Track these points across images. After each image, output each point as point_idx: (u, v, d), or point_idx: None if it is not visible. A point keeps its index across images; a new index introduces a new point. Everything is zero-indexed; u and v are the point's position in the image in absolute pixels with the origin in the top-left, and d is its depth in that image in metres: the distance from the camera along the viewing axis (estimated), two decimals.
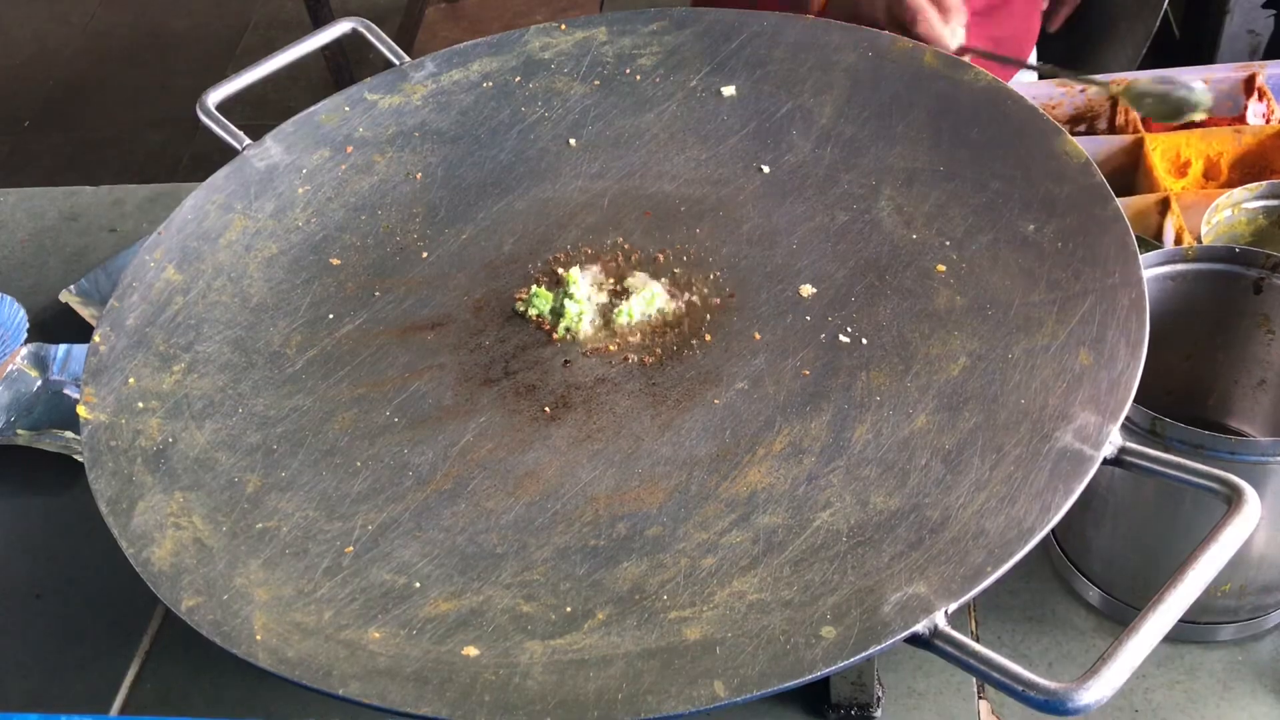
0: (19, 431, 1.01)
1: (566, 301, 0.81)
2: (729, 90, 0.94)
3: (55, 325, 1.14)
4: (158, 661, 0.88)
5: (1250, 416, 0.88)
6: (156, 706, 0.85)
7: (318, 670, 0.62)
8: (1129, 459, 0.65)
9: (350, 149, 0.94)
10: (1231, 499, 0.60)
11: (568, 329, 0.80)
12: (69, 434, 1.00)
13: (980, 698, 0.80)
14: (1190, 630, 0.81)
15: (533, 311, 0.81)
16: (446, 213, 0.89)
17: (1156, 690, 0.80)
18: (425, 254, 0.87)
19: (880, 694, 0.79)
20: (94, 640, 0.89)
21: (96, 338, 0.81)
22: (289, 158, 0.93)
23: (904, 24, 1.02)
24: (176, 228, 0.88)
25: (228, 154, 0.94)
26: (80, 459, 0.77)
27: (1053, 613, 0.84)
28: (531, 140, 0.94)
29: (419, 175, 0.92)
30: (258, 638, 0.64)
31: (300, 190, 0.92)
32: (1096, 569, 0.83)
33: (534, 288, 0.82)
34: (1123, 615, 0.82)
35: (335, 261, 0.87)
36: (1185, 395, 0.87)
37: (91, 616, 0.91)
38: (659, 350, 0.78)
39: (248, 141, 0.94)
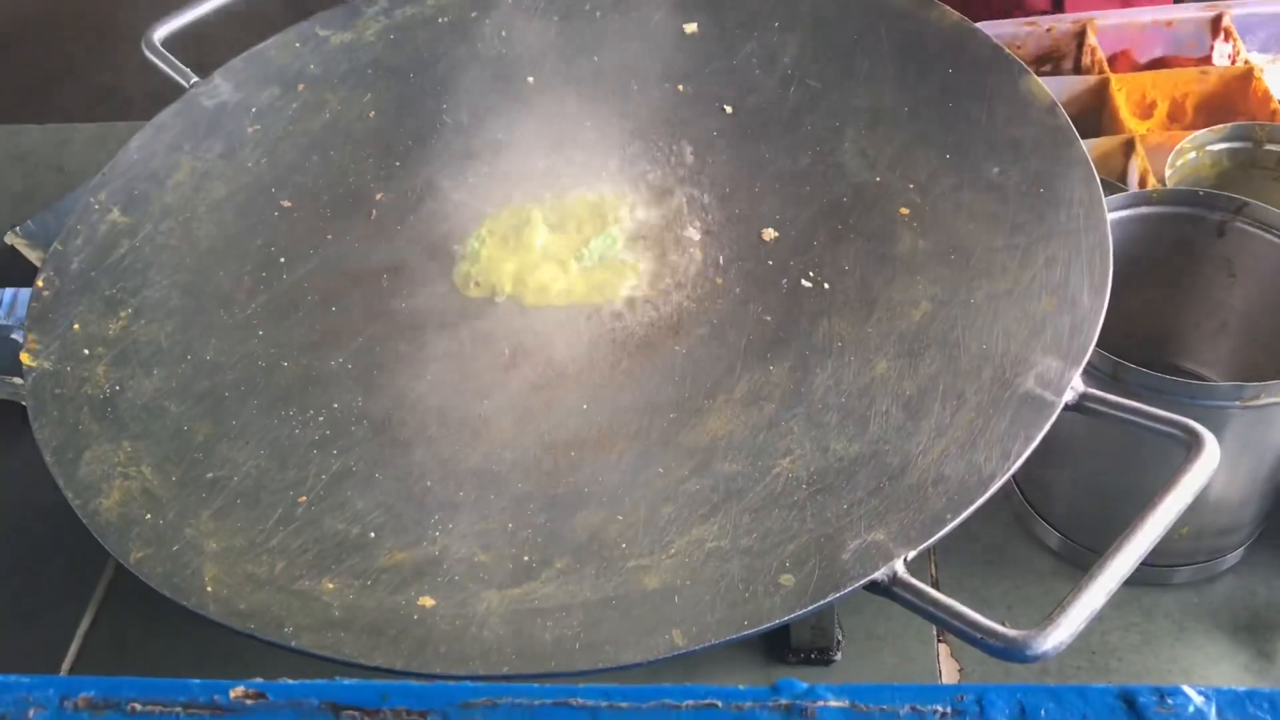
0: None
1: (524, 246, 0.79)
2: (691, 27, 0.92)
3: (1, 268, 1.11)
4: (112, 611, 0.86)
5: (1211, 360, 0.88)
6: (112, 657, 0.84)
7: (270, 622, 0.61)
8: (1090, 405, 0.64)
9: (302, 87, 0.91)
10: (1191, 444, 0.60)
11: (525, 274, 0.78)
12: (17, 380, 0.97)
13: (940, 641, 0.80)
14: (1147, 573, 0.81)
15: (489, 255, 0.80)
16: (401, 153, 0.87)
17: (1113, 632, 0.80)
18: (379, 195, 0.85)
19: (840, 638, 0.80)
20: (47, 590, 0.88)
21: (40, 282, 0.79)
22: (238, 96, 0.91)
23: None
24: (122, 169, 0.86)
25: (181, 92, 0.91)
26: None
27: (1013, 557, 0.85)
28: (489, 78, 0.91)
29: (372, 114, 0.90)
30: (209, 589, 0.63)
31: (250, 130, 0.89)
32: (1057, 514, 0.84)
33: (489, 231, 0.80)
34: (1082, 559, 0.82)
35: (286, 204, 0.85)
36: (1147, 339, 0.87)
37: (44, 566, 0.89)
38: (619, 296, 0.77)
39: (195, 79, 0.91)
